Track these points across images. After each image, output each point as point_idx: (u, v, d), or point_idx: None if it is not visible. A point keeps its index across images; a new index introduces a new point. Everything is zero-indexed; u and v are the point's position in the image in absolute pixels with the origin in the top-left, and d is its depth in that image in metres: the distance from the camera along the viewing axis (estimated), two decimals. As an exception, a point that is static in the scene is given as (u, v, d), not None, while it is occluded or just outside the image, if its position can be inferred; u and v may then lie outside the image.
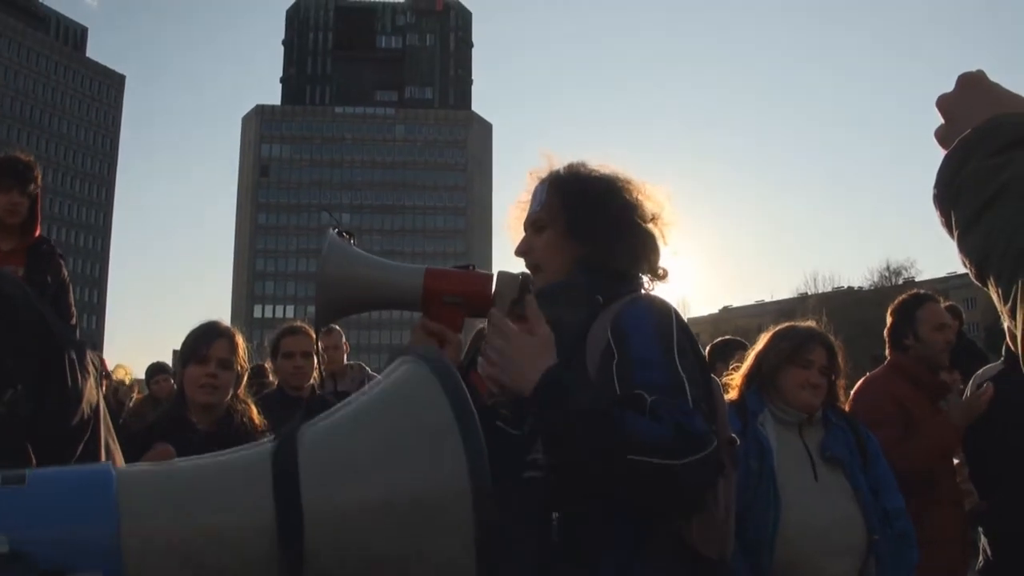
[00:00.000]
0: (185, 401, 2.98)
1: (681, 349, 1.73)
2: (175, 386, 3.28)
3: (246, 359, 3.10)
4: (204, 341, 2.97)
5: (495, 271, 1.84)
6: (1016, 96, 1.05)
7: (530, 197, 2.04)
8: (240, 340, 3.05)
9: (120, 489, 0.78)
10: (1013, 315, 0.87)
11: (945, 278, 68.33)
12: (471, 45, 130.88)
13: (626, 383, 1.68)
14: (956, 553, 3.43)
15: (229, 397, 2.99)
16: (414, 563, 0.84)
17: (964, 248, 0.96)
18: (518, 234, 2.05)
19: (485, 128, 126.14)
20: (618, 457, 1.54)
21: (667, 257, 1.99)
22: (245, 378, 3.12)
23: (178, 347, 3.19)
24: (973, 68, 1.10)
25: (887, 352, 3.89)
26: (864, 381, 3.76)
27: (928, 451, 3.38)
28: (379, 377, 0.98)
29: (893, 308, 3.92)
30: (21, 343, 1.33)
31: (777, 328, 3.07)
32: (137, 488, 0.80)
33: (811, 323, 3.08)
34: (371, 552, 0.83)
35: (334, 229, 1.80)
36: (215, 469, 0.87)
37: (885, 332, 3.89)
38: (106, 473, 0.80)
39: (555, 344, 1.81)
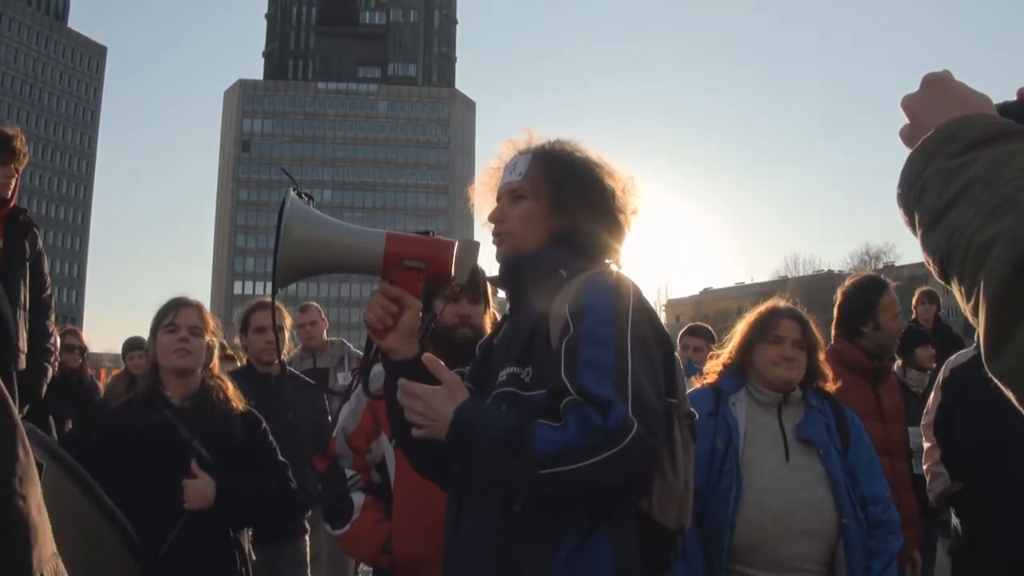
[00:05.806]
0: (159, 376, 2.98)
1: (636, 328, 1.73)
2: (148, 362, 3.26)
3: (217, 330, 3.13)
4: (172, 309, 3.00)
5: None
6: (981, 96, 1.05)
7: (502, 164, 2.03)
8: (207, 311, 3.09)
9: None
10: (976, 313, 0.87)
11: (924, 263, 68.88)
12: (455, 22, 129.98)
13: (571, 359, 1.70)
14: (912, 536, 3.49)
15: (202, 370, 3.01)
16: None
17: (927, 247, 0.97)
18: (484, 199, 2.06)
19: (468, 106, 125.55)
20: (531, 475, 1.62)
21: (634, 249, 2.02)
22: (217, 351, 3.14)
23: (158, 323, 3.19)
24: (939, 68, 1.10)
25: (832, 335, 3.84)
26: None
27: None
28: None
29: (849, 292, 3.85)
30: None
31: (751, 313, 3.04)
32: None
33: (778, 300, 3.04)
34: None
35: (293, 190, 1.76)
36: None
37: (837, 314, 3.83)
38: None
39: (517, 322, 1.89)
